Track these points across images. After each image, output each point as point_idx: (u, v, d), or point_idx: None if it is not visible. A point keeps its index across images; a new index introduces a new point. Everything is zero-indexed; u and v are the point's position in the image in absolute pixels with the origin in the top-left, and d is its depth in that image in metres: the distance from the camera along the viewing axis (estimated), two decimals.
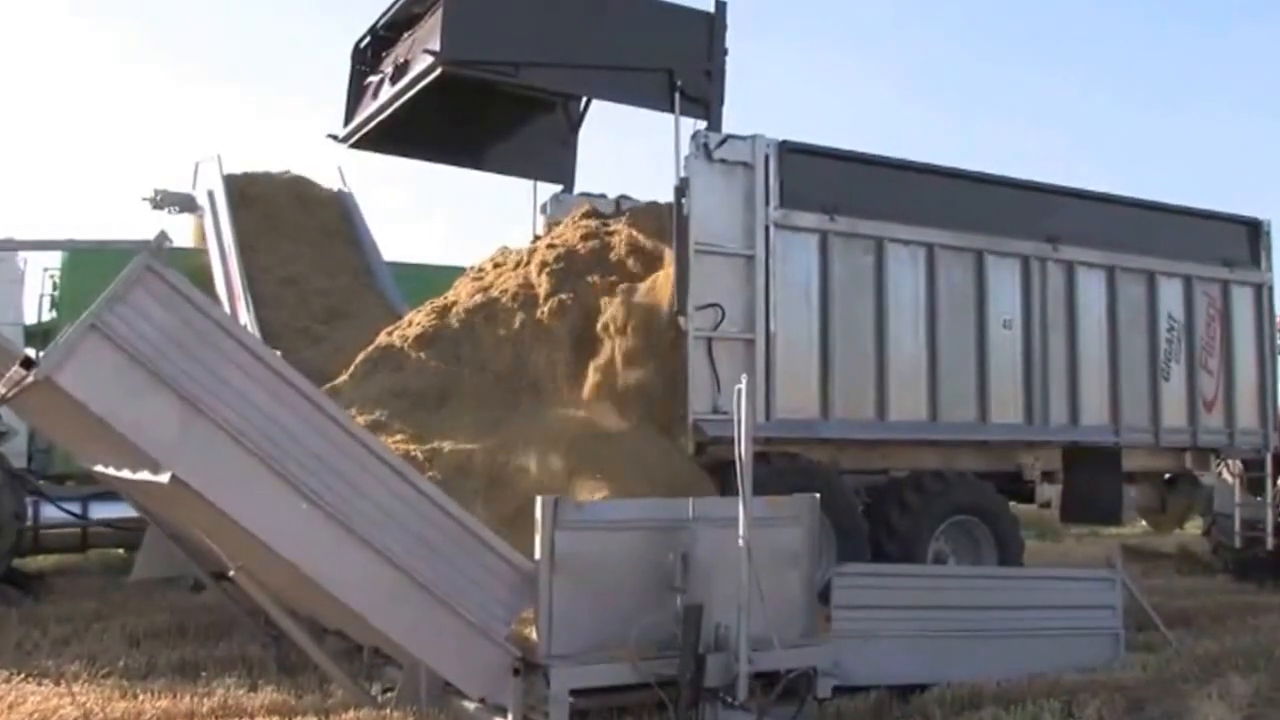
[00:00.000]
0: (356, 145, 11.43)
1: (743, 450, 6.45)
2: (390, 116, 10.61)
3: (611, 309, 9.25)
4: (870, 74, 52.90)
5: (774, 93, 44.75)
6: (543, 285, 9.70)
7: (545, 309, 9.53)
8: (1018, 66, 52.73)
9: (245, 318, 11.37)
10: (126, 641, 8.56)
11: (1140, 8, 51.80)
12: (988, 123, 52.09)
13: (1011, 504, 10.79)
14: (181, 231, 13.33)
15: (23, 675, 7.30)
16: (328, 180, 14.14)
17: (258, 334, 10.63)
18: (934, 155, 10.46)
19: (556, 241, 10.16)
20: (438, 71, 9.44)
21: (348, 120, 11.41)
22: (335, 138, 11.53)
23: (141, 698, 6.74)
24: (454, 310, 10.11)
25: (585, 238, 10.10)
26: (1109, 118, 51.04)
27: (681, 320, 8.86)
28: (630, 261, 9.73)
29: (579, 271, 9.68)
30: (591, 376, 9.23)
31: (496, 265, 10.63)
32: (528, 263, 10.18)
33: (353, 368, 9.90)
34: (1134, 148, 50.88)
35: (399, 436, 8.65)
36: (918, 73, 51.33)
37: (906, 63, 51.69)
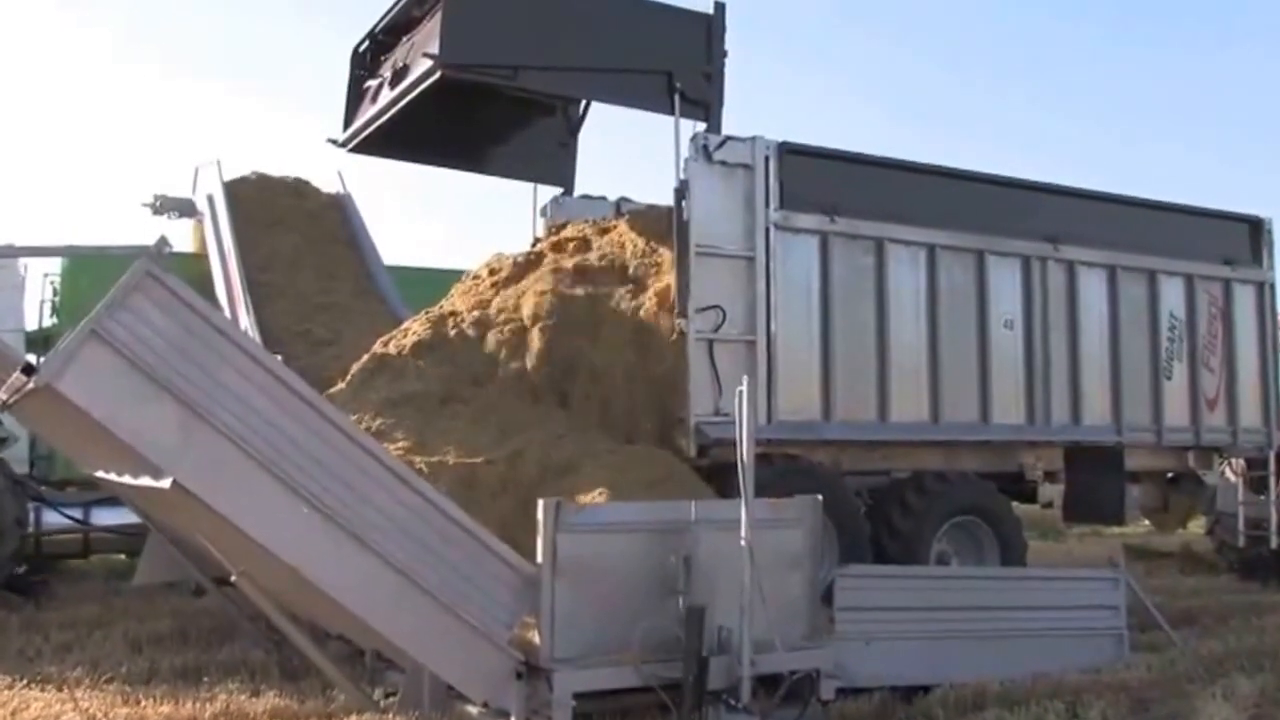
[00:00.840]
0: (356, 149, 11.41)
1: (744, 452, 6.45)
2: (389, 120, 10.59)
3: (610, 325, 9.23)
4: (858, 99, 52.78)
5: (762, 109, 44.67)
6: (535, 342, 9.33)
7: (537, 372, 9.26)
8: (1004, 93, 52.77)
9: (245, 322, 11.38)
10: (129, 647, 8.54)
11: (1132, 34, 51.72)
12: (974, 147, 52.11)
13: (1014, 504, 10.78)
14: (181, 236, 13.40)
15: (25, 681, 7.30)
16: (327, 183, 14.18)
17: (258, 338, 10.63)
18: None
19: (546, 288, 9.69)
20: (437, 75, 9.41)
21: (347, 124, 11.39)
22: (335, 142, 11.52)
23: (144, 703, 6.73)
24: (450, 322, 10.03)
25: (580, 262, 9.97)
26: (1093, 145, 51.03)
27: (682, 323, 8.85)
28: (625, 283, 9.65)
29: (571, 324, 9.35)
30: (592, 387, 9.20)
31: (492, 272, 10.56)
32: (521, 277, 10.03)
33: (349, 376, 9.82)
34: (1123, 175, 50.83)
35: (401, 445, 8.61)
36: (906, 98, 51.33)
37: (896, 88, 51.66)
